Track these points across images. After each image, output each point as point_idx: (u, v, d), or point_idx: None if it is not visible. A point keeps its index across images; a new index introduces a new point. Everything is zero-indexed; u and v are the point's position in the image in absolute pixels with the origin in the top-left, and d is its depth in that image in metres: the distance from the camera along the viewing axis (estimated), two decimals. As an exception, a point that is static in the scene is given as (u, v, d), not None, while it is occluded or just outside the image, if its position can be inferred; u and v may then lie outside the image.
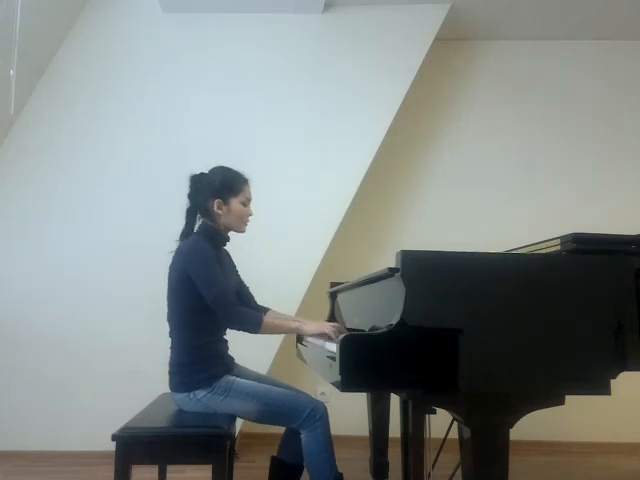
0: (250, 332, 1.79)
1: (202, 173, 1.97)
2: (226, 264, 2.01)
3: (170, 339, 1.89)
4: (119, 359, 3.02)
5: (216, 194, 1.90)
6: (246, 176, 1.98)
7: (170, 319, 1.89)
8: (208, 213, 1.93)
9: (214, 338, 1.89)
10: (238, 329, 1.82)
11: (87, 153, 3.23)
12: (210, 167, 1.98)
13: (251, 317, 1.79)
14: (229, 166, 1.98)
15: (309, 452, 1.73)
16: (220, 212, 1.91)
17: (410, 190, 3.56)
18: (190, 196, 1.96)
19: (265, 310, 2.13)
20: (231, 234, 2.01)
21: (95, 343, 3.05)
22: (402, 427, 2.24)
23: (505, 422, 1.33)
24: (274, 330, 1.87)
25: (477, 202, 3.50)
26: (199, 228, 1.94)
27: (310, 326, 1.85)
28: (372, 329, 1.61)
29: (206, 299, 1.76)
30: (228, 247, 2.05)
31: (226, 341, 1.95)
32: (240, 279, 2.13)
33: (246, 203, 1.96)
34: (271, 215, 3.09)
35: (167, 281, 1.88)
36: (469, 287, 1.32)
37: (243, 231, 1.99)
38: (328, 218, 3.15)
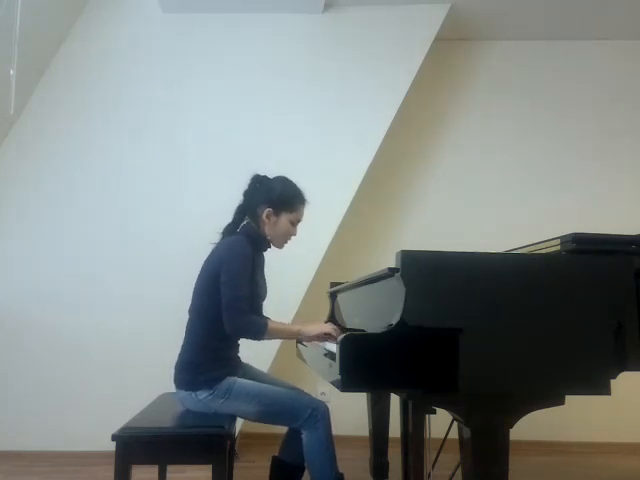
0: (252, 339, 1.78)
1: (265, 176, 1.95)
2: (260, 271, 1.99)
3: (185, 331, 1.87)
4: (119, 359, 3.02)
5: (271, 203, 1.89)
6: (306, 197, 1.96)
7: (191, 311, 1.88)
8: (255, 217, 1.91)
9: (228, 344, 1.87)
10: (240, 336, 1.82)
11: (88, 153, 3.23)
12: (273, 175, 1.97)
13: (256, 325, 1.76)
14: (294, 181, 1.96)
15: (310, 452, 1.73)
16: (267, 221, 1.90)
17: (410, 190, 3.56)
18: (246, 194, 1.95)
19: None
20: None
21: (96, 343, 3.05)
22: (402, 427, 2.24)
23: (505, 422, 1.33)
24: (275, 336, 1.84)
25: (477, 202, 3.50)
26: (243, 228, 1.92)
27: (310, 330, 1.81)
28: (372, 329, 1.61)
29: (222, 298, 1.74)
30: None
31: (238, 345, 1.95)
32: None
33: (295, 223, 1.94)
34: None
35: (200, 271, 1.86)
36: (469, 287, 1.32)
37: (280, 248, 1.97)
38: (328, 218, 3.15)
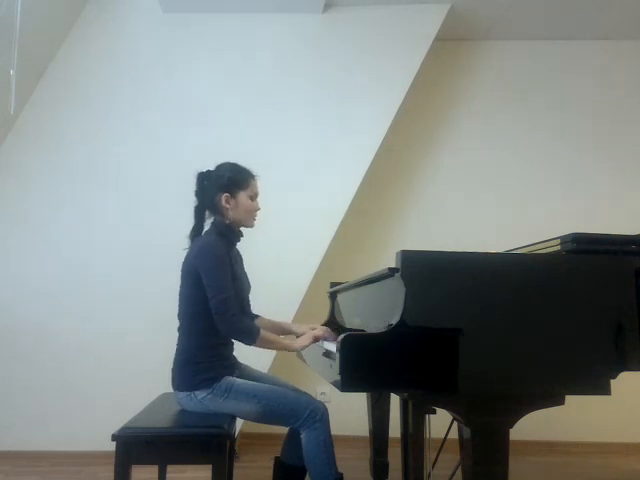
0: (244, 343, 1.80)
1: (209, 170, 1.97)
2: (239, 265, 2.00)
3: (178, 334, 1.89)
4: (119, 359, 3.02)
5: (224, 189, 1.91)
6: (253, 172, 1.98)
7: (180, 316, 1.89)
8: (217, 209, 1.93)
9: (222, 341, 1.87)
10: (233, 338, 1.83)
11: (87, 153, 3.22)
12: (215, 165, 1.98)
13: (248, 329, 1.78)
14: (236, 162, 1.98)
15: (309, 452, 1.73)
16: (228, 206, 1.91)
17: (410, 190, 3.56)
18: (197, 193, 1.96)
19: (255, 317, 2.12)
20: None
21: (95, 343, 3.05)
22: (402, 427, 2.23)
23: (505, 422, 1.33)
24: (267, 345, 1.86)
25: (477, 202, 3.50)
26: (211, 226, 1.94)
27: (299, 342, 1.84)
28: (372, 329, 1.61)
29: (210, 303, 1.76)
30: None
31: (232, 343, 1.95)
32: None
33: (254, 197, 1.96)
34: (271, 215, 3.07)
35: (180, 277, 1.88)
36: (469, 287, 1.32)
37: (252, 225, 1.99)
38: (328, 218, 3.15)
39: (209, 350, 1.82)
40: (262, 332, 1.79)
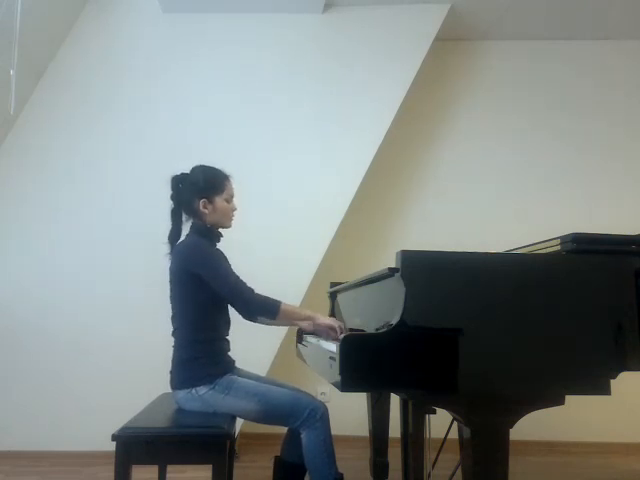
0: (269, 317, 1.81)
1: (183, 174, 1.99)
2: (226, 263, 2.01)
3: (173, 338, 1.89)
4: (119, 359, 3.02)
5: (201, 194, 1.92)
6: (227, 173, 2.00)
7: (174, 318, 1.90)
8: (194, 213, 1.95)
9: (217, 334, 1.90)
10: (257, 314, 1.83)
11: (87, 154, 3.22)
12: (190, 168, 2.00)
13: (270, 302, 1.80)
14: (209, 164, 2.00)
15: (309, 452, 1.73)
16: (206, 211, 1.93)
17: (410, 190, 3.56)
18: (173, 197, 1.98)
19: None
20: (225, 233, 2.03)
21: (95, 343, 3.05)
22: (402, 427, 2.23)
23: (505, 422, 1.33)
24: (289, 316, 1.86)
25: (477, 202, 3.50)
26: (192, 228, 1.96)
27: (320, 318, 1.86)
28: (372, 329, 1.61)
29: (221, 292, 1.80)
30: (227, 245, 2.05)
31: (228, 342, 1.96)
32: None
33: (229, 200, 1.98)
34: (271, 215, 3.09)
35: (169, 281, 1.89)
36: (469, 287, 1.32)
37: (229, 226, 2.01)
38: (328, 218, 3.15)
39: (207, 345, 1.84)
40: (282, 304, 1.81)
